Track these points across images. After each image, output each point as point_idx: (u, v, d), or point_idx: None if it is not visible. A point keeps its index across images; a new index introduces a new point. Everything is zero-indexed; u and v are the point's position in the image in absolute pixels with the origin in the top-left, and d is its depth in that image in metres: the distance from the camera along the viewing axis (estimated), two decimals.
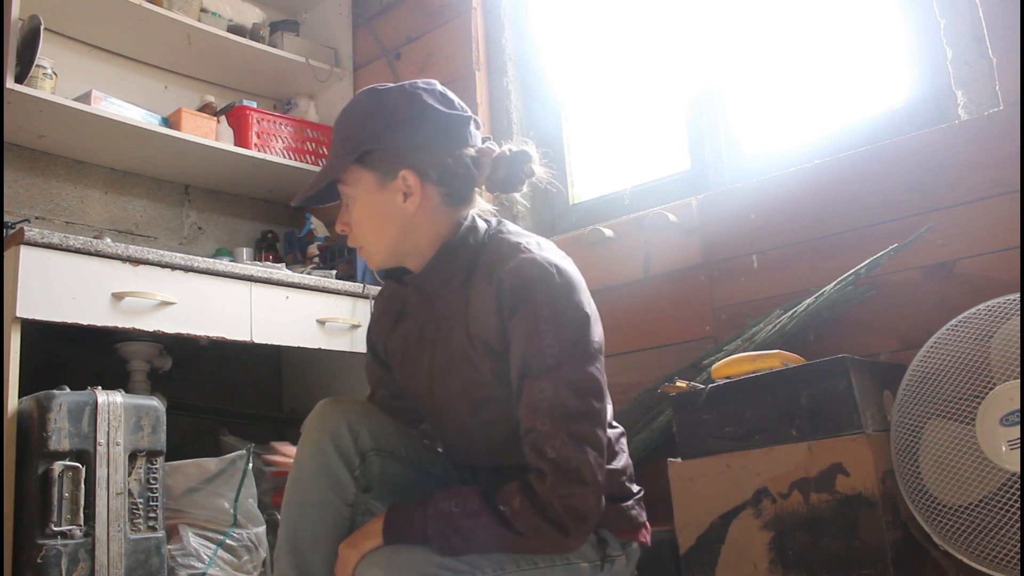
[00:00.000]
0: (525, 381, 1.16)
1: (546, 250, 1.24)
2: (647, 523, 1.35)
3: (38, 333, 1.83)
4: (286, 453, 1.65)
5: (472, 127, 1.31)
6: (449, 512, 1.15)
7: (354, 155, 1.26)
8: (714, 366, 1.72)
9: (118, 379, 2.19)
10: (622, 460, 1.32)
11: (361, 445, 1.28)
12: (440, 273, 1.30)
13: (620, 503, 1.30)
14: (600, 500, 1.15)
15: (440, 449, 1.45)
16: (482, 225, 1.32)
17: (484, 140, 1.33)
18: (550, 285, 1.17)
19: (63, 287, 1.84)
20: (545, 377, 1.14)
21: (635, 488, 1.34)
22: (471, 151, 1.29)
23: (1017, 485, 1.37)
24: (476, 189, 1.33)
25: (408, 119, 1.26)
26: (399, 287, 1.39)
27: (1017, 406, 1.38)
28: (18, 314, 1.75)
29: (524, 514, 1.12)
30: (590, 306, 1.22)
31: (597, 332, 1.21)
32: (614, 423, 1.35)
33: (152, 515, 1.80)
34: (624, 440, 1.36)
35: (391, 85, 1.31)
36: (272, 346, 2.23)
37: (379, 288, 2.43)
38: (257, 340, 2.16)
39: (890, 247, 1.75)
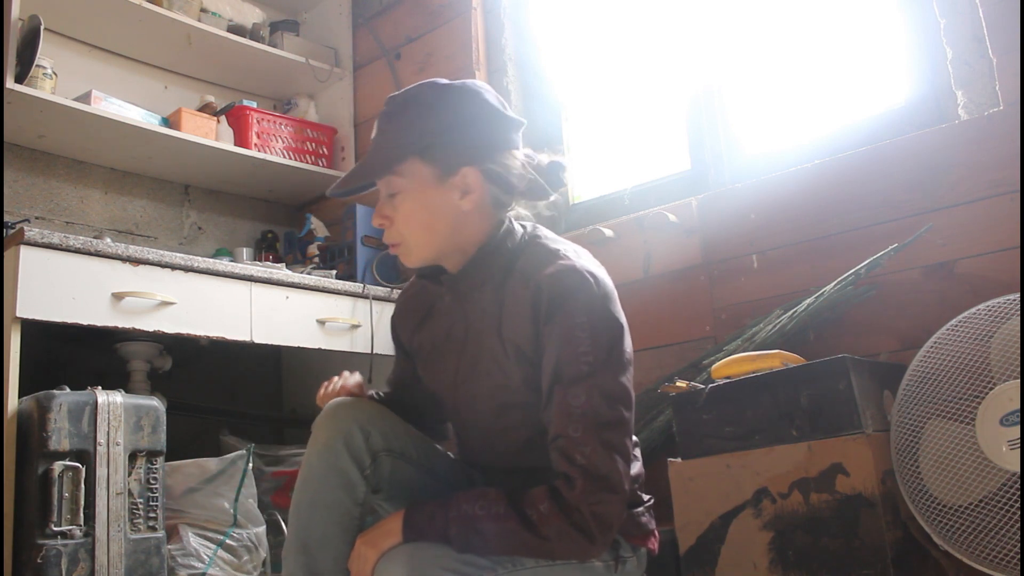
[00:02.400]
0: (557, 387, 1.16)
1: (583, 258, 1.25)
2: (656, 531, 1.36)
3: (38, 333, 1.83)
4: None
5: (520, 133, 1.32)
6: (473, 514, 1.15)
7: (410, 150, 1.25)
8: (714, 366, 1.72)
9: (118, 379, 2.19)
10: (636, 467, 1.32)
11: (372, 445, 1.27)
12: (477, 275, 1.29)
13: (631, 509, 1.30)
14: (624, 509, 1.16)
15: (450, 452, 1.45)
16: (519, 229, 1.33)
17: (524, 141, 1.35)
18: (588, 294, 1.18)
19: (63, 287, 1.84)
20: (579, 384, 1.14)
21: (645, 496, 1.36)
22: (521, 156, 1.31)
23: (1017, 485, 1.36)
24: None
25: (473, 116, 1.26)
26: (428, 285, 1.39)
27: (1017, 406, 1.38)
28: (18, 314, 1.76)
29: (551, 519, 1.12)
30: (623, 317, 1.22)
31: (629, 343, 1.22)
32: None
33: (152, 515, 1.80)
34: (638, 449, 1.37)
35: (449, 81, 1.30)
36: (272, 346, 2.23)
37: (379, 288, 2.46)
38: (257, 340, 2.16)
39: (890, 247, 1.75)
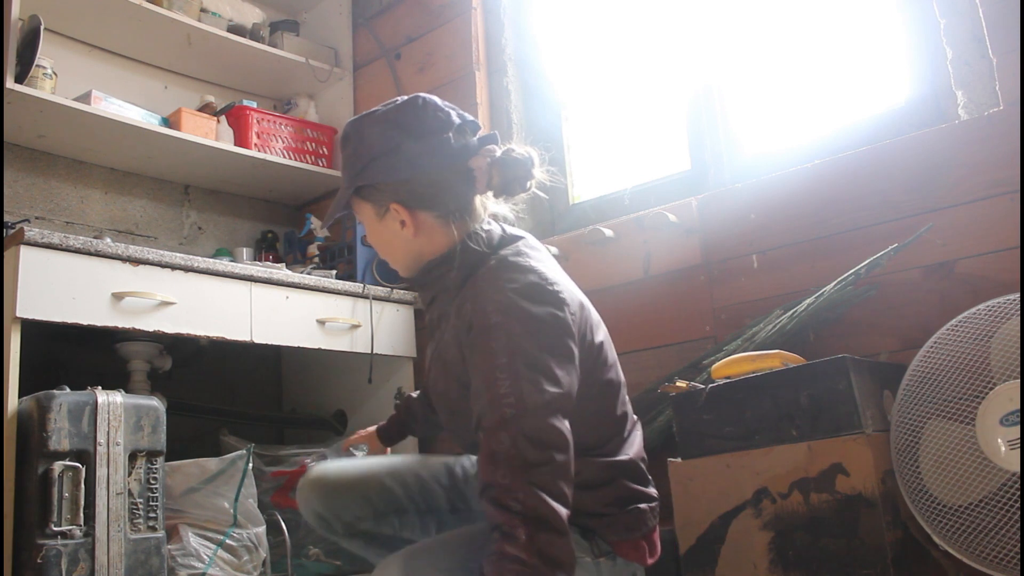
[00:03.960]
0: (482, 433, 1.14)
1: (530, 285, 1.21)
2: (641, 541, 1.33)
3: (38, 333, 1.82)
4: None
5: (457, 142, 1.30)
6: None
7: (350, 191, 1.33)
8: (714, 366, 1.72)
9: (118, 379, 2.18)
10: (609, 487, 1.31)
11: (335, 528, 1.50)
12: (429, 287, 1.37)
13: (591, 519, 1.29)
14: (572, 549, 1.11)
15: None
16: (492, 234, 1.32)
17: (484, 141, 1.33)
18: (508, 332, 1.16)
19: (63, 287, 1.84)
20: (503, 429, 1.11)
21: (617, 511, 1.31)
22: (459, 166, 1.30)
23: (1017, 485, 1.36)
24: (479, 197, 1.34)
25: (384, 153, 1.28)
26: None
27: (1017, 406, 1.38)
28: (18, 314, 1.76)
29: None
30: (559, 349, 1.18)
31: (563, 376, 1.17)
32: (612, 452, 1.33)
33: (152, 515, 1.80)
34: (622, 463, 1.33)
35: (375, 112, 1.33)
36: (272, 346, 2.23)
37: (379, 288, 2.46)
38: (257, 340, 2.16)
39: (890, 247, 1.75)
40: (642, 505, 1.33)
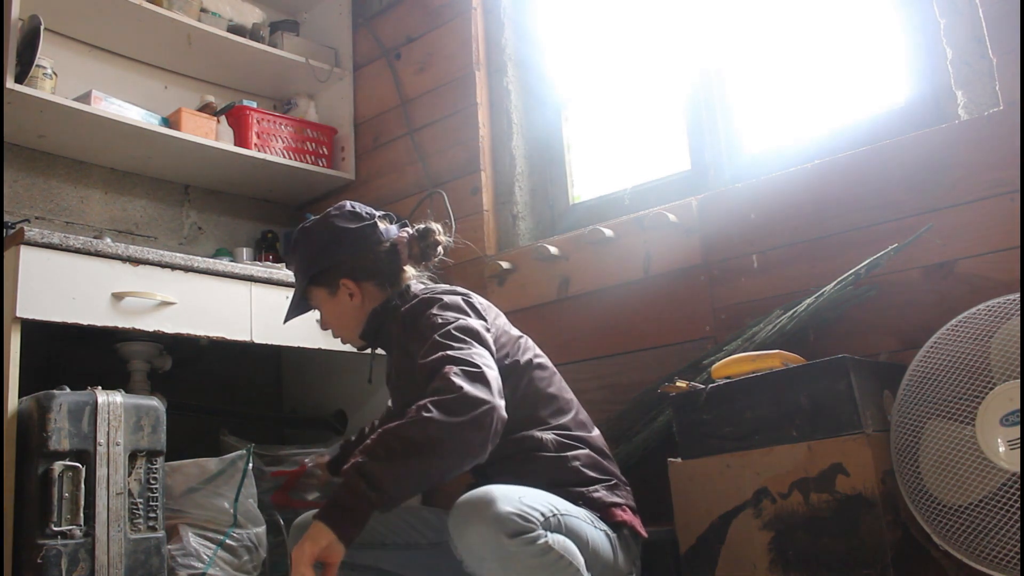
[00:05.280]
0: (421, 366, 1.43)
1: (440, 291, 1.59)
2: (625, 506, 1.50)
3: (38, 333, 1.82)
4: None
5: (382, 226, 1.67)
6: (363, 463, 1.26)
7: (305, 282, 1.68)
8: (714, 366, 1.72)
9: (118, 379, 2.19)
10: (582, 451, 1.52)
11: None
12: (374, 336, 1.69)
13: (576, 487, 1.46)
14: (490, 364, 1.38)
15: None
16: (416, 289, 1.66)
17: (402, 225, 1.71)
18: (431, 307, 1.52)
19: (63, 287, 1.84)
20: (431, 349, 1.42)
21: (598, 475, 1.51)
22: (386, 245, 1.66)
23: (1017, 485, 1.36)
24: (405, 267, 1.69)
25: (328, 243, 1.65)
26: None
27: (1017, 406, 1.38)
28: (18, 314, 1.76)
29: (431, 405, 1.28)
30: (471, 312, 1.54)
31: (473, 314, 1.53)
32: (570, 427, 1.56)
33: (152, 515, 1.80)
34: (584, 436, 1.56)
35: (313, 220, 1.69)
36: (272, 346, 2.23)
37: None
38: (257, 340, 2.16)
39: (890, 247, 1.75)
40: (619, 482, 1.53)
